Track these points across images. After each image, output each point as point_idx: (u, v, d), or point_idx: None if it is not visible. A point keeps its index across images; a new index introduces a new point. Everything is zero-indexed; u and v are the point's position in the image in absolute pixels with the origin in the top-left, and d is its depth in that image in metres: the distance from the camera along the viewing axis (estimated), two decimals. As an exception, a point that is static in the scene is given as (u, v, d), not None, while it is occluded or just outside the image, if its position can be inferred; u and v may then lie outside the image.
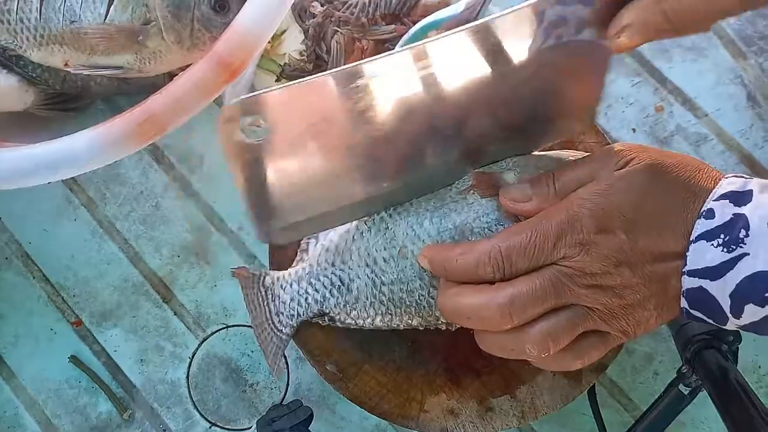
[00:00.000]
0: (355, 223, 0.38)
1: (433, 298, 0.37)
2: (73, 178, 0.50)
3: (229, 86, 0.40)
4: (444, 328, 0.39)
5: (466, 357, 0.42)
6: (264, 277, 0.40)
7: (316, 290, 0.38)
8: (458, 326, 0.38)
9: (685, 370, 0.40)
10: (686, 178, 0.31)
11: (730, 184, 0.31)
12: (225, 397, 0.49)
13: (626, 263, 0.30)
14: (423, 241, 0.36)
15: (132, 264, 0.50)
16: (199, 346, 0.48)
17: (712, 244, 0.29)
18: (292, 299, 0.39)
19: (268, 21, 0.36)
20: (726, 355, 0.39)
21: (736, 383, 0.36)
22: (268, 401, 0.48)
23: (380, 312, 0.38)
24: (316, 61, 0.48)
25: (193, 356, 0.49)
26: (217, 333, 0.49)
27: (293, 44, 0.49)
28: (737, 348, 0.40)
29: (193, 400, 0.49)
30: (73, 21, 0.41)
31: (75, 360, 0.49)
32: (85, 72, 0.44)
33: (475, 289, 0.32)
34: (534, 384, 0.42)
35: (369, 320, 0.38)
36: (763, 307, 0.29)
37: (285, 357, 0.49)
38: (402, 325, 0.38)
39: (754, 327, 0.30)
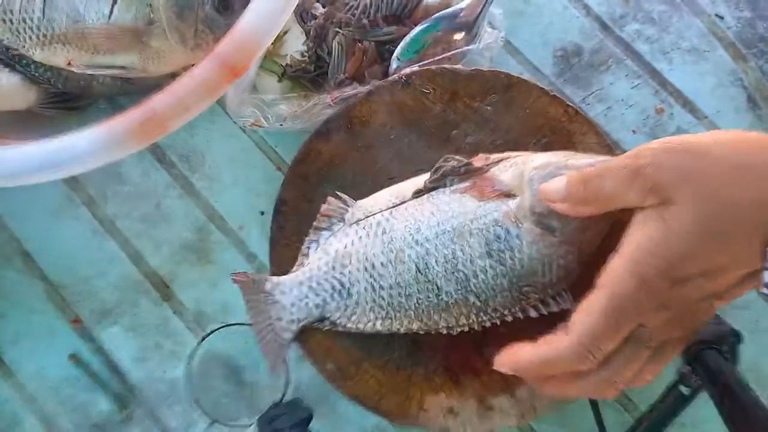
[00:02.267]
0: (354, 227, 0.39)
1: (431, 303, 0.37)
2: (74, 176, 0.50)
3: (232, 87, 0.41)
4: (445, 332, 0.39)
5: (466, 356, 0.42)
6: (264, 283, 0.40)
7: (316, 294, 0.39)
8: (459, 330, 0.38)
9: (685, 371, 0.40)
10: (744, 188, 0.27)
11: None
12: (225, 395, 0.49)
13: (709, 297, 0.29)
14: (420, 244, 0.36)
15: (132, 262, 0.50)
16: (199, 344, 0.48)
17: None
18: (292, 304, 0.39)
19: (271, 22, 0.37)
20: (726, 356, 0.39)
21: (736, 384, 0.36)
22: (268, 400, 0.48)
23: (380, 316, 0.38)
24: (317, 63, 0.48)
25: (192, 355, 0.49)
26: (216, 331, 0.49)
27: (295, 45, 0.49)
28: (737, 348, 0.40)
29: (192, 399, 0.49)
30: (77, 20, 0.42)
31: (74, 358, 0.49)
32: (88, 71, 0.44)
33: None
34: (534, 384, 0.42)
35: (369, 324, 0.38)
36: None
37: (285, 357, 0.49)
38: (402, 329, 0.39)
39: None
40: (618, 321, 0.29)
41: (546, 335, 0.32)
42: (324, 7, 0.48)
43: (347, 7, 0.48)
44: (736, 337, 0.40)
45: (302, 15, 0.49)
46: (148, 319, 0.50)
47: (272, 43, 0.48)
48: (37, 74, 0.46)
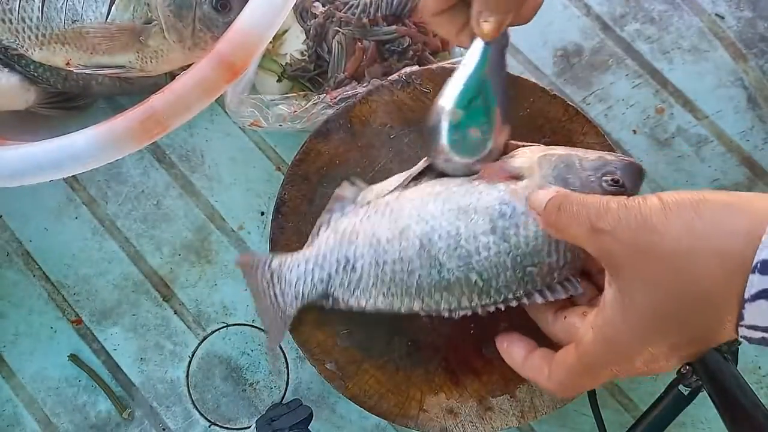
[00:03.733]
0: (364, 207, 0.39)
1: (432, 280, 0.36)
2: (74, 176, 0.50)
3: (231, 86, 0.41)
4: (447, 315, 0.37)
5: (466, 357, 0.42)
6: (272, 260, 0.40)
7: (321, 269, 0.39)
8: (462, 313, 0.37)
9: (685, 371, 0.40)
10: (700, 268, 0.26)
11: None
12: (225, 396, 0.49)
13: (681, 358, 0.28)
14: (426, 221, 0.36)
15: (132, 262, 0.50)
16: (199, 344, 0.48)
17: None
18: (297, 279, 0.39)
19: (270, 21, 0.36)
20: (726, 356, 0.39)
21: (736, 384, 0.36)
22: (268, 400, 0.48)
23: (382, 292, 0.37)
24: (317, 62, 0.48)
25: (192, 355, 0.49)
26: (217, 332, 0.49)
27: (295, 44, 0.49)
28: (737, 348, 0.40)
29: (192, 399, 0.49)
30: (75, 20, 0.42)
31: (75, 358, 0.49)
32: (87, 71, 0.44)
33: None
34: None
35: (371, 301, 0.38)
36: None
37: (285, 356, 0.49)
38: (404, 308, 0.38)
39: None
40: (591, 375, 0.30)
41: (532, 357, 0.33)
42: (324, 5, 0.48)
43: (347, 6, 0.48)
44: (736, 337, 0.40)
45: (302, 14, 0.49)
46: (149, 319, 0.50)
47: (271, 42, 0.48)
48: (36, 74, 0.46)
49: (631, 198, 0.29)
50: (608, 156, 0.36)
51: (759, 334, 0.26)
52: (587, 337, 0.30)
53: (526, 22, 0.35)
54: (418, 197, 0.37)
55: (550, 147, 0.38)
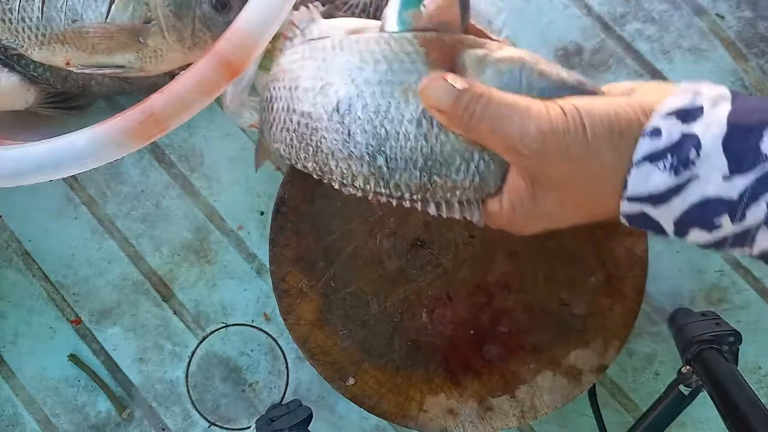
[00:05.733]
0: (305, 44, 0.36)
1: (334, 147, 0.33)
2: (73, 176, 0.50)
3: (231, 85, 0.41)
4: (336, 187, 0.35)
5: (466, 357, 0.42)
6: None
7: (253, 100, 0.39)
8: (348, 191, 0.35)
9: (685, 371, 0.40)
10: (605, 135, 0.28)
11: (677, 100, 0.27)
12: (224, 396, 0.49)
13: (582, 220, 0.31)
14: (356, 85, 0.33)
15: (132, 262, 0.50)
16: (199, 345, 0.48)
17: (658, 167, 0.27)
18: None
19: (270, 20, 0.36)
20: (726, 356, 0.39)
21: (736, 384, 0.36)
22: (268, 401, 0.48)
23: (286, 140, 0.35)
24: (317, 61, 0.48)
25: (192, 355, 0.49)
26: (216, 332, 0.49)
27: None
28: (737, 348, 0.40)
29: (192, 400, 0.49)
30: (75, 20, 0.42)
31: (74, 358, 0.49)
32: (87, 71, 0.44)
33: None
34: (534, 384, 0.42)
35: (278, 146, 0.36)
36: (709, 232, 0.27)
37: (285, 356, 0.49)
38: (299, 165, 0.35)
39: (695, 243, 0.28)
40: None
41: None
42: (323, 5, 0.48)
43: (347, 5, 0.48)
44: (736, 337, 0.40)
45: (301, 14, 0.49)
46: (148, 319, 0.50)
47: (271, 42, 0.48)
48: (36, 74, 0.46)
49: (554, 119, 0.29)
50: (568, 78, 0.33)
51: (637, 207, 0.28)
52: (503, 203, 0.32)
53: None
54: (358, 53, 0.34)
55: (516, 49, 0.34)
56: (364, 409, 0.42)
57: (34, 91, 0.47)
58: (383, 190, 0.34)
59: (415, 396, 0.42)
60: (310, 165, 0.35)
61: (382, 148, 0.33)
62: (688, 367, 0.40)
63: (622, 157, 0.27)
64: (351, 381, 0.42)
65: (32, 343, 0.50)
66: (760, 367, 0.48)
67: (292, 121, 0.35)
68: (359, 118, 0.33)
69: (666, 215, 0.27)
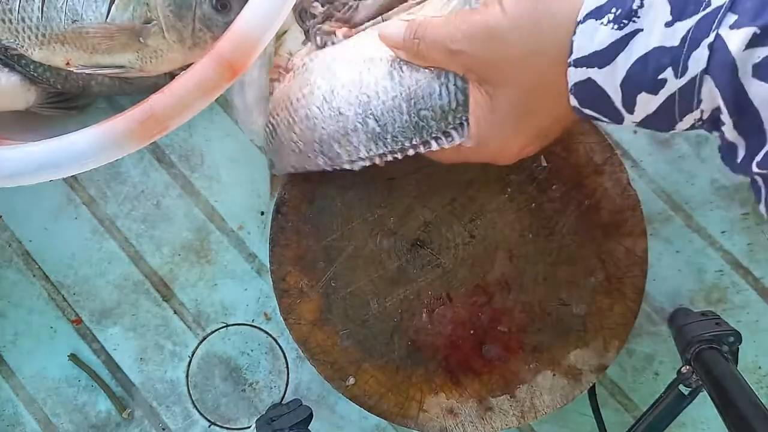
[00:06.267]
0: (290, 73, 0.40)
1: (333, 131, 0.37)
2: (74, 176, 0.50)
3: (237, 86, 0.41)
4: (348, 167, 0.38)
5: (466, 357, 0.42)
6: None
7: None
8: (360, 165, 0.38)
9: (685, 371, 0.40)
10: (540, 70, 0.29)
11: None
12: (224, 396, 0.49)
13: (545, 137, 0.33)
14: (333, 73, 0.37)
15: (132, 262, 0.50)
16: (199, 344, 0.48)
17: (602, 22, 0.26)
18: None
19: (270, 21, 0.36)
20: (726, 356, 0.39)
21: (736, 384, 0.36)
22: (268, 400, 0.48)
23: (287, 141, 0.39)
24: (317, 61, 0.48)
25: (192, 355, 0.49)
26: (216, 332, 0.49)
27: (294, 44, 0.49)
28: (737, 348, 0.40)
29: (192, 399, 0.49)
30: (75, 20, 0.42)
31: (74, 358, 0.49)
32: (87, 71, 0.44)
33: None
34: (534, 384, 0.42)
35: (294, 144, 0.39)
36: (656, 93, 0.26)
37: (285, 356, 0.49)
38: (308, 166, 0.39)
39: (651, 122, 0.28)
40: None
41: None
42: (323, 5, 0.48)
43: (347, 6, 0.48)
44: (736, 337, 0.40)
45: (301, 14, 0.49)
46: (148, 319, 0.50)
47: (271, 43, 0.48)
48: (36, 74, 0.46)
49: (475, 10, 0.32)
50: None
51: (584, 74, 0.28)
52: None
53: None
54: (329, 55, 0.39)
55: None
56: (364, 409, 0.42)
57: (34, 91, 0.47)
58: (385, 149, 0.37)
59: (415, 396, 0.42)
60: (321, 161, 0.38)
61: (369, 111, 0.36)
62: (687, 367, 0.40)
63: (560, 26, 0.28)
64: (351, 381, 0.42)
65: (32, 343, 0.50)
66: (760, 367, 0.48)
67: (296, 133, 0.38)
68: (341, 95, 0.37)
69: (611, 79, 0.27)
